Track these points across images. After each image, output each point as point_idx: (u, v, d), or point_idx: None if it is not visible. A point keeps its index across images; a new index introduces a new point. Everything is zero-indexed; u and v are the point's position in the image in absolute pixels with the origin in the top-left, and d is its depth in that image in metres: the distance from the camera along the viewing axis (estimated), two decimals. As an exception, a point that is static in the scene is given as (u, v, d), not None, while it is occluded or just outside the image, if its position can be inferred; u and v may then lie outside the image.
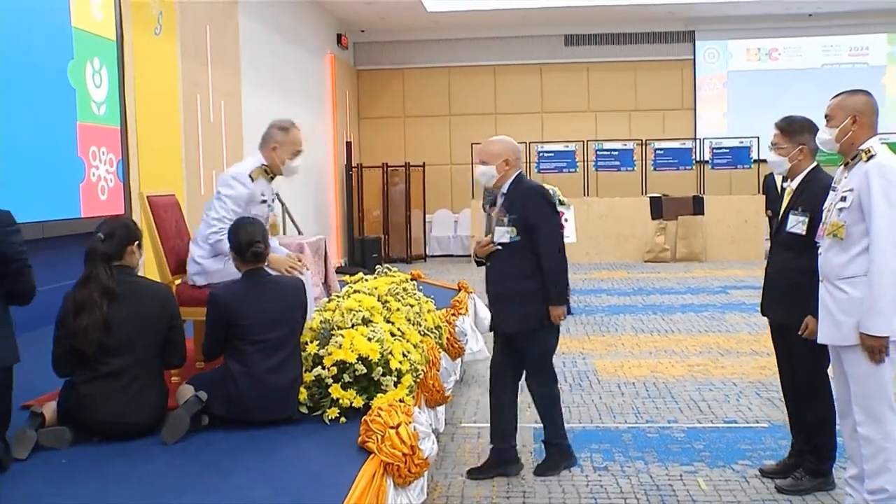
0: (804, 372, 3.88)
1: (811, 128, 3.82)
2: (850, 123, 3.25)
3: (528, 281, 4.01)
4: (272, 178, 4.25)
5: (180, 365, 3.48)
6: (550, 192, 8.80)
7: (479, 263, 4.29)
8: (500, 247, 4.06)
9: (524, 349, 4.15)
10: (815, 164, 3.87)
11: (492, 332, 4.32)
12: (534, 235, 4.01)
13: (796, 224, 3.74)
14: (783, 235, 3.84)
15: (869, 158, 3.16)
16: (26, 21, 5.24)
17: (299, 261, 4.08)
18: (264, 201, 4.19)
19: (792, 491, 3.86)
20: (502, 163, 4.13)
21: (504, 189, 4.15)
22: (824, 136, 3.37)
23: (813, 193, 3.72)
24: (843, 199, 3.23)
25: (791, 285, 3.75)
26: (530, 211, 4.03)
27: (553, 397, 4.20)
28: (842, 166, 3.36)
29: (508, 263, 4.06)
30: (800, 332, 3.66)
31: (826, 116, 3.38)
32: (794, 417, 4.04)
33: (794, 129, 3.84)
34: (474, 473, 4.19)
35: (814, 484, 3.86)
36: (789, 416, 4.11)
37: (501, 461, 4.17)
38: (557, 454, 4.22)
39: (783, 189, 4.08)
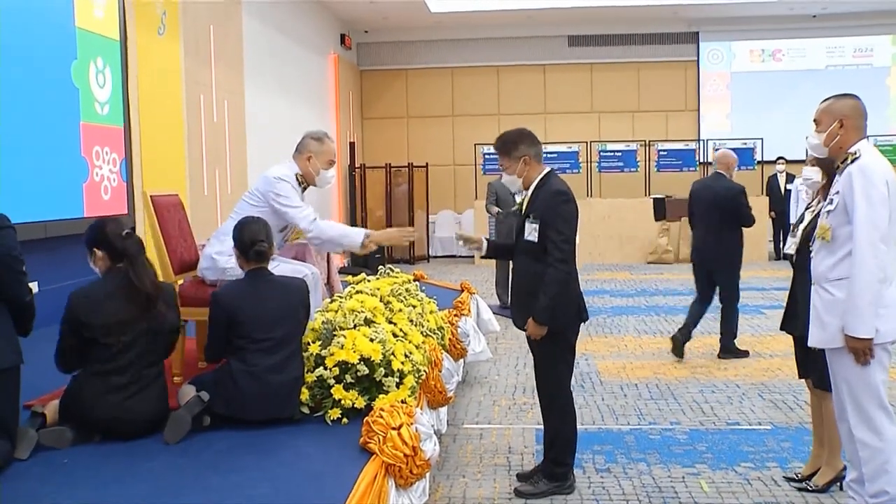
0: (542, 378, 3.95)
1: (526, 138, 3.90)
2: (838, 127, 3.25)
3: None
4: (305, 188, 4.30)
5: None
6: None
7: None
8: None
9: None
10: (546, 170, 3.91)
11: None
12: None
13: (531, 232, 3.78)
14: (521, 242, 3.88)
15: (854, 160, 3.17)
16: (29, 21, 5.24)
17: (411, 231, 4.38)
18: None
19: (530, 494, 3.88)
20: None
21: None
22: (813, 140, 3.37)
23: (542, 200, 3.78)
24: (831, 201, 3.26)
25: (530, 292, 3.77)
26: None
27: None
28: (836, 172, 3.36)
29: None
30: (525, 331, 3.79)
31: (814, 121, 3.38)
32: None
33: (509, 147, 3.89)
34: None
35: (550, 487, 3.90)
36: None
37: None
38: None
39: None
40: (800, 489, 3.93)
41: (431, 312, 4.68)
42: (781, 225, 13.53)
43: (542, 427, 4.12)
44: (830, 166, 3.57)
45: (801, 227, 3.97)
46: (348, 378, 3.38)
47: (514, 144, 3.88)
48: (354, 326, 3.60)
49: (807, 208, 4.08)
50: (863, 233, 3.06)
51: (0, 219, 2.98)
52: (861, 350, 3.08)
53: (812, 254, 3.35)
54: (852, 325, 3.07)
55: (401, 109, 16.16)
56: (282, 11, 11.03)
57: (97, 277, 3.27)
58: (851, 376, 3.15)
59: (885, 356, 3.14)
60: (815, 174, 4.01)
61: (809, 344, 3.33)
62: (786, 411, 5.21)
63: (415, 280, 5.28)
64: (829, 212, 3.25)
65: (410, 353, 3.65)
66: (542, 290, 3.67)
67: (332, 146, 4.33)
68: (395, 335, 3.71)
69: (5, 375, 2.91)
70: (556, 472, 3.92)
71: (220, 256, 4.08)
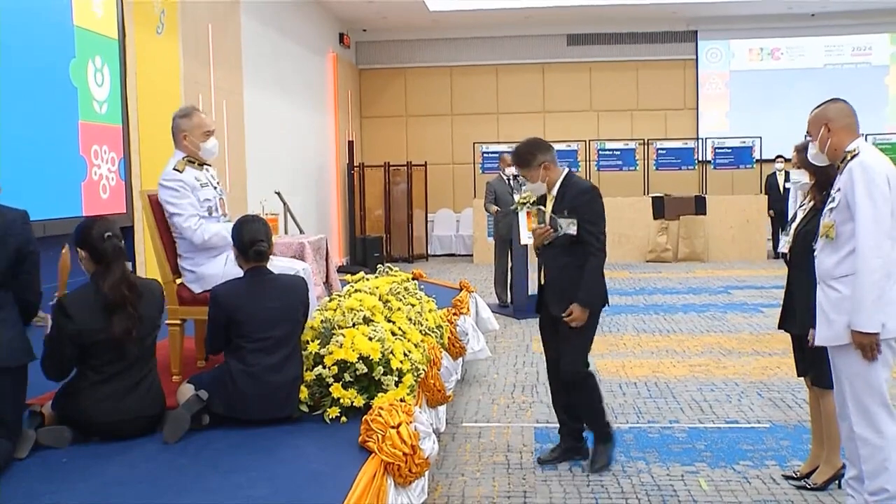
0: (569, 357, 4.15)
1: (539, 146, 4.19)
2: (826, 132, 3.31)
3: None
4: (202, 165, 4.20)
5: None
6: None
7: None
8: None
9: None
10: (566, 170, 4.22)
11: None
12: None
13: (569, 226, 4.07)
14: (558, 237, 4.12)
15: (853, 157, 3.20)
16: (28, 19, 5.24)
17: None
18: (206, 184, 4.15)
19: (603, 466, 4.15)
20: None
21: None
22: (812, 150, 3.45)
23: (573, 198, 4.11)
24: (833, 199, 3.27)
25: (565, 281, 4.12)
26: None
27: None
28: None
29: None
30: (564, 317, 4.05)
31: (808, 133, 3.45)
32: (564, 405, 4.33)
33: (528, 159, 4.16)
34: None
35: (608, 448, 4.20)
36: (554, 406, 4.40)
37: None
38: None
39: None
40: (798, 487, 3.93)
41: (430, 311, 4.69)
42: (780, 224, 13.55)
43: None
44: (821, 169, 3.62)
45: (794, 225, 4.00)
46: (347, 377, 3.38)
47: (532, 155, 4.15)
48: (353, 325, 3.61)
49: (799, 207, 4.10)
50: (866, 230, 3.07)
51: (23, 215, 3.03)
52: (868, 345, 3.08)
53: (815, 252, 3.36)
54: (859, 321, 3.08)
55: (399, 108, 16.15)
56: (280, 10, 11.03)
57: (85, 280, 3.23)
58: (855, 373, 3.16)
59: (889, 353, 3.14)
60: (802, 176, 4.06)
61: (816, 343, 3.34)
62: (784, 409, 5.22)
63: (413, 279, 5.28)
64: (831, 209, 3.26)
65: (409, 351, 3.66)
66: (587, 276, 4.07)
67: (201, 118, 4.20)
68: (393, 334, 3.71)
69: (13, 374, 2.91)
70: (606, 434, 4.22)
71: (198, 268, 4.05)
